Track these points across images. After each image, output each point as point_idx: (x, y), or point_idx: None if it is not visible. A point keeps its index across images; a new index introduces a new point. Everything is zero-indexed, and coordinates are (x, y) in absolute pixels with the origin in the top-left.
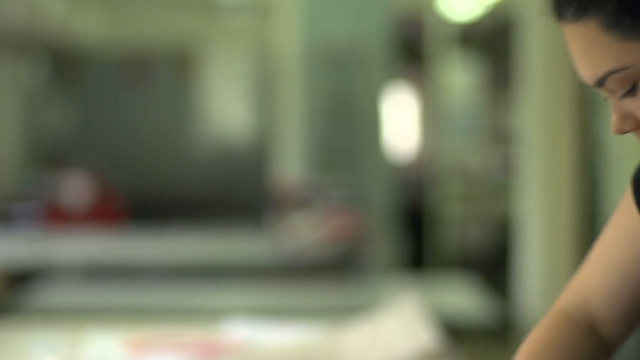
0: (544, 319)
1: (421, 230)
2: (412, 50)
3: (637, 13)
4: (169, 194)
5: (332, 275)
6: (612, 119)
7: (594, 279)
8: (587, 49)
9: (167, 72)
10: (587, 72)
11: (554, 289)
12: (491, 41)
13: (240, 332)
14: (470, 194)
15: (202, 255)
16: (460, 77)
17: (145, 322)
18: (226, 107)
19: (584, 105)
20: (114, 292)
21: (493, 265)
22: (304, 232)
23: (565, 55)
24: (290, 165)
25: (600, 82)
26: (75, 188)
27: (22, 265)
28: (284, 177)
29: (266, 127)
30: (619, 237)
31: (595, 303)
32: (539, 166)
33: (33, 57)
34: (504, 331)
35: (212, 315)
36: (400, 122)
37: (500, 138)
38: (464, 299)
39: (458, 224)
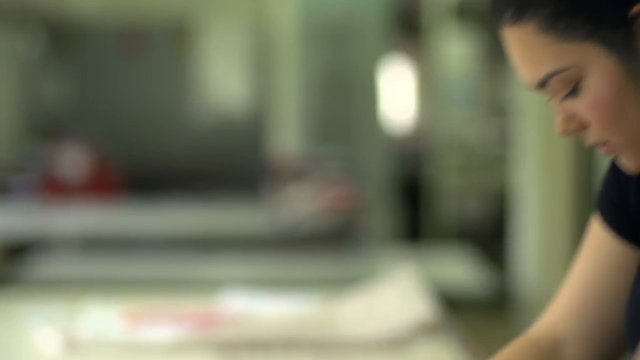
0: (511, 344)
1: (418, 202)
2: (409, 22)
3: (573, 15)
4: (166, 165)
5: (329, 246)
6: (557, 120)
7: (564, 299)
8: (526, 52)
9: (164, 44)
10: (528, 75)
11: (551, 260)
12: (488, 13)
13: (237, 303)
14: (467, 165)
15: (199, 226)
16: (457, 49)
17: (143, 293)
18: (223, 79)
19: None
20: (111, 264)
21: (490, 237)
22: (301, 204)
23: None
24: (287, 137)
25: (542, 84)
26: (72, 160)
27: (19, 237)
28: (281, 149)
29: (263, 99)
30: (586, 253)
31: (560, 321)
32: (536, 138)
33: (30, 30)
34: (500, 302)
35: (209, 286)
36: (397, 94)
37: (497, 110)
38: (460, 270)
39: (455, 195)
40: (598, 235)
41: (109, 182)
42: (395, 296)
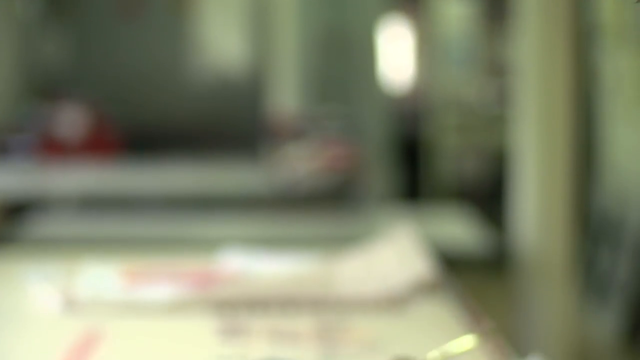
0: None
1: (417, 161)
2: None
3: None
4: (165, 125)
5: (328, 205)
6: None
7: None
8: None
9: (163, 4)
10: None
11: (550, 219)
12: None
13: (236, 262)
14: (466, 125)
15: (198, 186)
16: (456, 9)
17: (141, 253)
18: (222, 39)
19: (580, 36)
20: (110, 223)
21: (488, 196)
22: (300, 163)
23: None
24: (286, 96)
25: None
26: (71, 120)
27: (17, 197)
28: (279, 108)
29: (261, 58)
30: None
31: None
32: (535, 97)
33: None
34: (499, 262)
35: (208, 245)
36: (396, 53)
37: (496, 69)
38: (459, 229)
39: (453, 155)
40: None
41: (108, 142)
42: (394, 255)
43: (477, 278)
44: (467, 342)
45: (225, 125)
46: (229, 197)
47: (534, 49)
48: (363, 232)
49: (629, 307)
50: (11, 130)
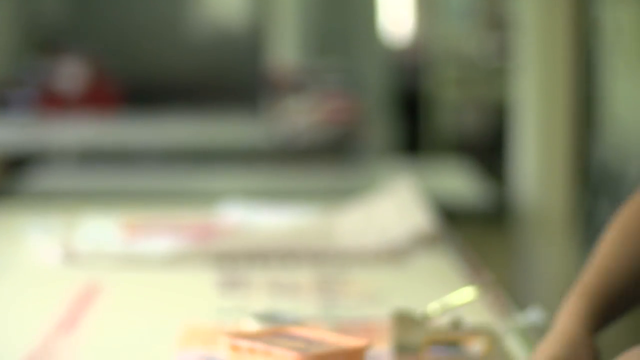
0: (634, 198)
1: (416, 115)
2: None
3: None
4: (164, 78)
5: (328, 158)
6: None
7: None
8: None
9: None
10: None
11: (549, 172)
12: None
13: (236, 214)
14: (466, 78)
15: (198, 139)
16: None
17: (141, 206)
18: None
19: None
20: (110, 176)
21: (488, 149)
22: (299, 116)
23: None
24: (286, 49)
25: None
26: (70, 73)
27: (17, 150)
28: (279, 61)
29: (261, 11)
30: None
31: None
32: (535, 50)
33: None
34: (499, 215)
35: (208, 198)
36: (396, 6)
37: (497, 22)
38: (459, 183)
39: (453, 108)
40: None
41: (107, 95)
42: (394, 207)
43: (477, 231)
44: (466, 294)
45: (225, 79)
46: (228, 150)
47: (535, 2)
48: (363, 185)
49: None
50: (11, 84)
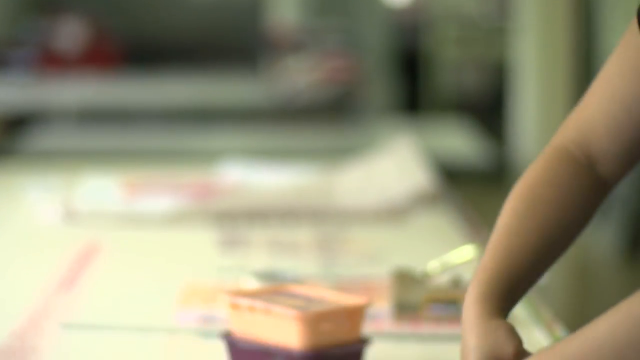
0: (540, 154)
1: (416, 74)
2: None
3: None
4: (164, 37)
5: (328, 117)
6: None
7: (595, 113)
8: None
9: None
10: None
11: (549, 131)
12: None
13: (236, 173)
14: (466, 37)
15: (198, 98)
16: None
17: (141, 164)
18: None
19: None
20: (109, 135)
21: (488, 108)
22: (300, 75)
23: None
24: (286, 9)
25: None
26: (70, 33)
27: (17, 110)
28: (279, 21)
29: None
30: (623, 70)
31: (595, 138)
32: (535, 9)
33: None
34: (498, 173)
35: (208, 157)
36: None
37: None
38: (459, 142)
39: (453, 67)
40: (633, 46)
41: (107, 55)
42: (394, 166)
43: (476, 189)
44: (466, 252)
45: (225, 38)
46: (228, 109)
47: None
48: (363, 143)
49: (629, 222)
50: (11, 44)
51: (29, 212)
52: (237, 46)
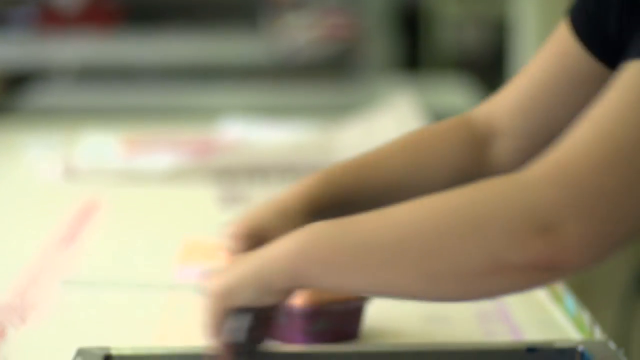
0: (448, 120)
1: (416, 31)
2: None
3: None
4: None
5: (328, 74)
6: None
7: (511, 91)
8: None
9: None
10: None
11: None
12: None
13: (236, 130)
14: None
15: (198, 55)
16: None
17: (141, 122)
18: None
19: None
20: (110, 93)
21: (488, 66)
22: (300, 32)
23: None
24: None
25: None
26: None
27: (17, 68)
28: None
29: None
30: (547, 54)
31: (504, 112)
32: None
33: None
34: None
35: (207, 114)
36: None
37: None
38: (459, 99)
39: (454, 24)
40: (566, 43)
41: (108, 12)
42: (394, 123)
43: None
44: None
45: None
46: (228, 66)
47: None
48: (363, 101)
49: None
50: (10, 2)
51: (29, 169)
52: (237, 3)
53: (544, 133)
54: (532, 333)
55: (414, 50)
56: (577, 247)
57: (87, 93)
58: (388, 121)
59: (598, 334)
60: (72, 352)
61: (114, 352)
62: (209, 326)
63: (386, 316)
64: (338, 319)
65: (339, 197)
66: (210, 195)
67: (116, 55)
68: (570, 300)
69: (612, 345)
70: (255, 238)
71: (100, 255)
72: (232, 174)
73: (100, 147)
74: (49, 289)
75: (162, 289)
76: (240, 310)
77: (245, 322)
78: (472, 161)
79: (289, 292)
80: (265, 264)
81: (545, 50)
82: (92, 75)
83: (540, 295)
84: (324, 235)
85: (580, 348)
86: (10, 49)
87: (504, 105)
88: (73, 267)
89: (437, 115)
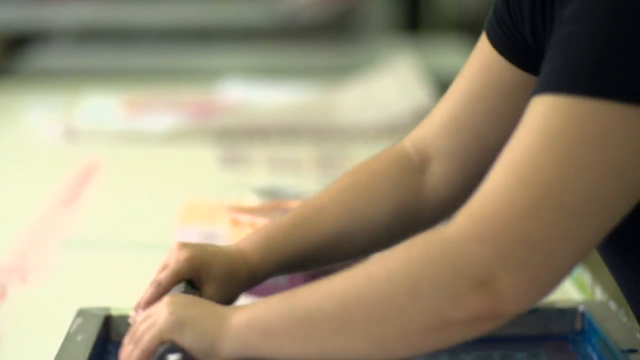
0: (380, 152)
1: None
2: None
3: None
4: None
5: (328, 35)
6: None
7: (438, 112)
8: None
9: None
10: None
11: None
12: None
13: (236, 91)
14: None
15: (198, 17)
16: None
17: (141, 83)
18: None
19: None
20: (110, 54)
21: None
22: None
23: None
24: None
25: None
26: None
27: (18, 30)
28: None
29: None
30: (468, 71)
31: (432, 135)
32: None
33: None
34: None
35: (208, 76)
36: None
37: None
38: (459, 60)
39: None
40: (488, 56)
41: None
42: (394, 84)
43: None
44: None
45: None
46: (229, 28)
47: None
48: (363, 62)
49: None
50: None
51: (29, 131)
52: None
53: (475, 150)
54: None
55: (415, 11)
56: (514, 296)
57: (88, 55)
58: (388, 82)
59: (599, 294)
60: (73, 312)
61: (114, 312)
62: (142, 350)
63: None
64: None
65: (283, 260)
66: (211, 156)
67: (116, 16)
68: None
69: (612, 306)
70: (195, 268)
71: (100, 216)
72: (232, 135)
73: (101, 108)
74: (49, 250)
75: (162, 249)
76: (173, 347)
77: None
78: (410, 193)
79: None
80: (214, 328)
81: (470, 64)
82: (93, 36)
83: None
84: (274, 309)
85: (581, 308)
86: (10, 10)
87: (434, 128)
88: (73, 227)
89: (437, 77)
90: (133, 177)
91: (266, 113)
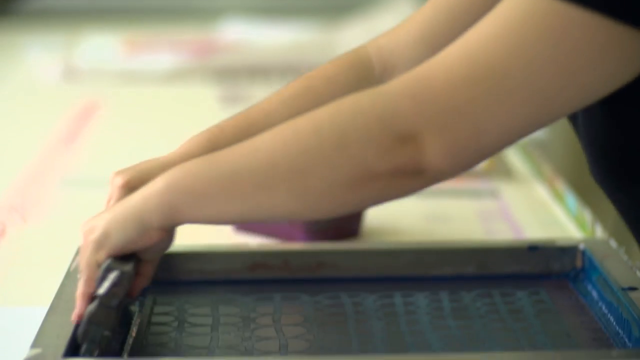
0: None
1: None
2: None
3: None
4: None
5: None
6: None
7: (413, 21)
8: None
9: None
10: None
11: None
12: None
13: (236, 30)
14: None
15: None
16: None
17: (141, 23)
18: None
19: None
20: None
21: None
22: None
23: None
24: None
25: None
26: None
27: None
28: None
29: None
30: None
31: (402, 42)
32: None
33: None
34: None
35: (208, 15)
36: None
37: None
38: None
39: None
40: None
41: None
42: (395, 22)
43: None
44: None
45: None
46: None
47: None
48: (363, 0)
49: None
50: None
51: (29, 71)
52: None
53: None
54: (534, 231)
55: None
56: (435, 155)
57: None
58: (389, 20)
59: (599, 232)
60: (73, 250)
61: None
62: (82, 275)
63: (387, 215)
64: (340, 217)
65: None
66: (211, 95)
67: None
68: (571, 199)
69: (613, 244)
70: (135, 189)
71: (100, 155)
72: (232, 74)
73: (101, 48)
74: (49, 188)
75: None
76: (111, 266)
77: (113, 277)
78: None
79: (165, 229)
80: (138, 203)
81: None
82: None
83: (542, 194)
84: (195, 169)
85: (582, 246)
86: None
87: (405, 37)
88: (73, 166)
89: None
90: (133, 116)
91: (266, 52)
